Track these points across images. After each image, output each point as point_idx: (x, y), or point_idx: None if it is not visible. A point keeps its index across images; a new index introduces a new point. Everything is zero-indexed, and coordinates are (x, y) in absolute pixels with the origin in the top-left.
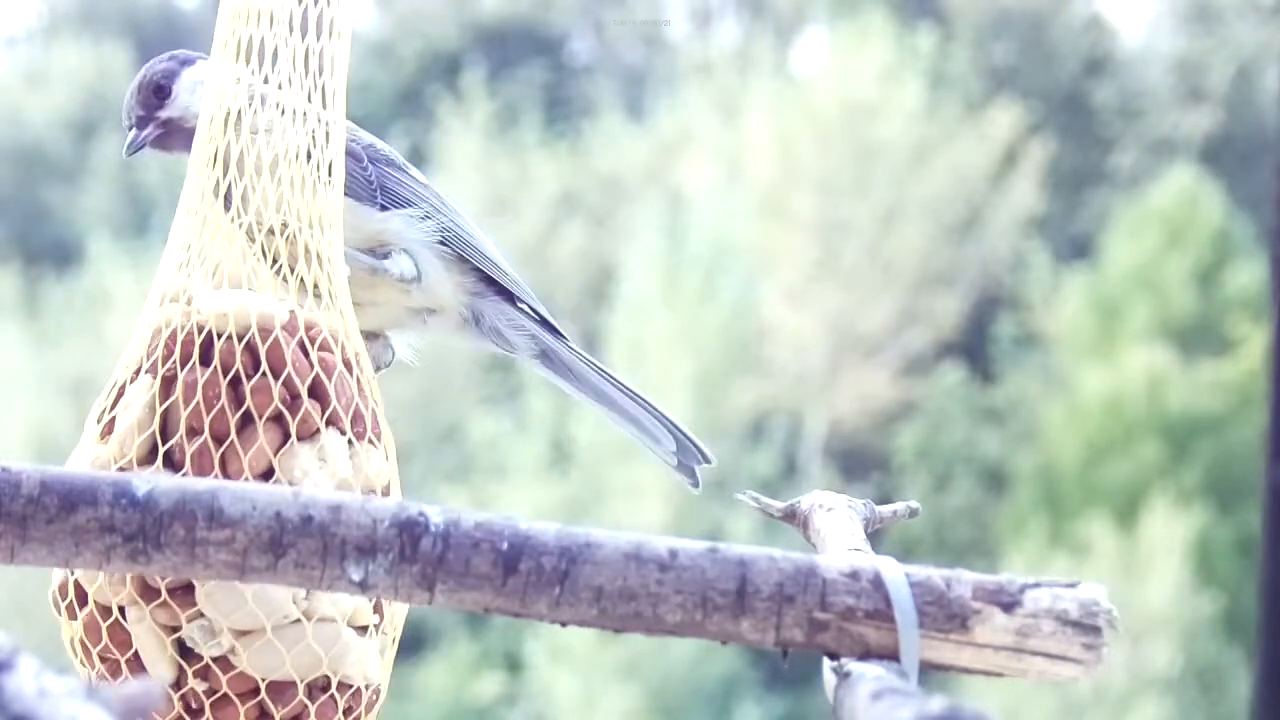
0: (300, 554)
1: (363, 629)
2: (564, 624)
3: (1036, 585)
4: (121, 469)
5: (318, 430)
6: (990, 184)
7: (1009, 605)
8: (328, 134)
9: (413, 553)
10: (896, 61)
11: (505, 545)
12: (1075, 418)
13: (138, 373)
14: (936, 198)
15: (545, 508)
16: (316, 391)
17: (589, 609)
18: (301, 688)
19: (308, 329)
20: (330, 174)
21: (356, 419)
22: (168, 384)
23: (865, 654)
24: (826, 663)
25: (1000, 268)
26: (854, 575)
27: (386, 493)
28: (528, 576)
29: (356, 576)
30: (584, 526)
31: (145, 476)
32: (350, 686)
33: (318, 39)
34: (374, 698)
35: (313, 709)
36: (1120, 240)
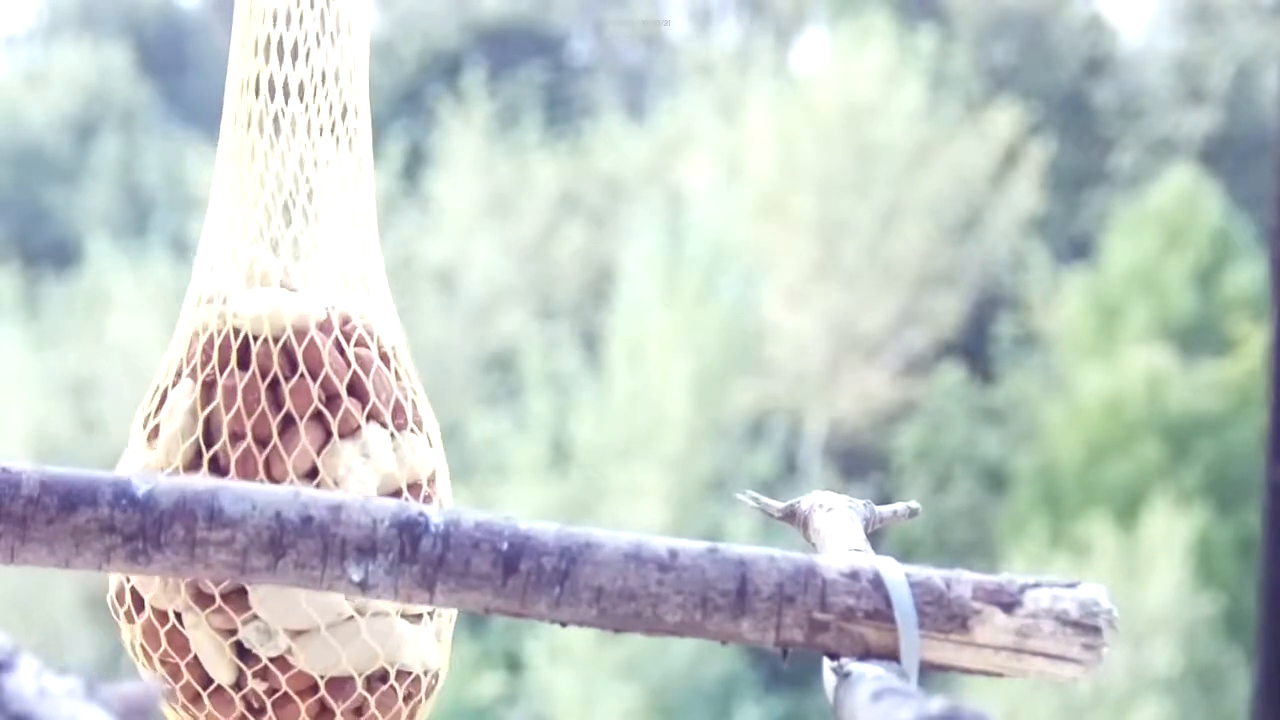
0: (300, 554)
1: (416, 617)
2: (564, 624)
3: (1036, 585)
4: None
5: (359, 427)
6: (990, 184)
7: (1009, 605)
8: (354, 113)
9: (413, 553)
10: (897, 62)
11: (505, 545)
12: (1075, 418)
13: (179, 376)
14: (936, 198)
15: (545, 508)
16: (355, 389)
17: (589, 609)
18: (360, 681)
19: (343, 324)
20: (360, 160)
21: (397, 410)
22: (208, 389)
23: (865, 654)
24: (826, 663)
25: (1000, 268)
26: (854, 575)
27: (433, 479)
28: (528, 576)
29: (357, 577)
30: (584, 526)
31: (145, 476)
32: (409, 674)
33: (337, 32)
34: (433, 682)
35: (373, 700)
36: (1120, 240)
